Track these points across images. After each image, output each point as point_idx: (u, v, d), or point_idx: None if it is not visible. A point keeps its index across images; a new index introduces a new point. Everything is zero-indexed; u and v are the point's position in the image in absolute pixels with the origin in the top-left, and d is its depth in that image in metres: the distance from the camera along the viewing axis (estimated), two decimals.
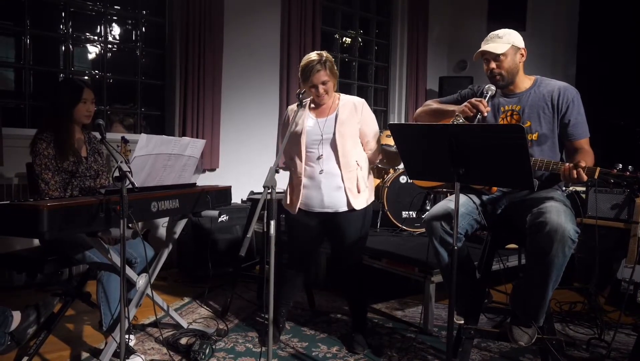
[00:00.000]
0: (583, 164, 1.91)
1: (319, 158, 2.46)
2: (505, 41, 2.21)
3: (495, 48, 2.20)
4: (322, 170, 2.46)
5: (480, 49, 2.25)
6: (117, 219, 1.91)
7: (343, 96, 2.56)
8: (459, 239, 2.10)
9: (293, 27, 4.83)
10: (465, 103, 2.23)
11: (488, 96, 2.25)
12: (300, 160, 2.48)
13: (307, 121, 2.50)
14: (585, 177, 1.91)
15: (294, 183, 2.54)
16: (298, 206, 2.50)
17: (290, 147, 2.53)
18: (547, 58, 5.70)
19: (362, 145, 2.55)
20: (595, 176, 1.90)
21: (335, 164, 2.46)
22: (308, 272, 3.15)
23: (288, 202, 2.56)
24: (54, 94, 2.51)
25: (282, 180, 2.98)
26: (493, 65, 2.23)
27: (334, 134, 2.45)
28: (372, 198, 2.58)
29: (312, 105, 2.56)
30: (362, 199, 2.50)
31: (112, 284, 2.37)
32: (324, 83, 2.42)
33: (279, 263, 2.85)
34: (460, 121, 2.23)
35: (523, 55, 2.26)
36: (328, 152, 2.46)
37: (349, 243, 2.53)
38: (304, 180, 2.49)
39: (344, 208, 2.47)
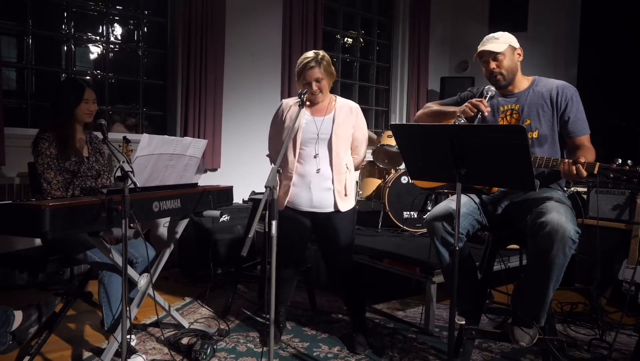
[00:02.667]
0: (582, 160, 1.92)
1: (315, 157, 2.47)
2: (502, 41, 2.25)
3: (494, 47, 2.23)
4: (319, 169, 2.46)
5: (478, 50, 2.27)
6: (118, 219, 1.91)
7: (339, 98, 2.58)
8: (460, 240, 2.10)
9: (295, 27, 4.84)
10: (466, 103, 2.25)
11: (488, 96, 2.27)
12: (294, 156, 2.49)
13: (303, 118, 2.50)
14: (584, 173, 1.91)
15: (282, 179, 2.52)
16: (285, 204, 2.51)
17: (282, 142, 2.52)
18: (549, 58, 5.71)
19: (351, 149, 2.58)
20: (595, 172, 1.91)
21: (328, 165, 2.48)
22: (308, 272, 3.16)
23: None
24: (55, 93, 2.52)
25: None
26: (493, 65, 2.25)
27: (331, 135, 2.46)
28: (354, 204, 2.59)
29: (308, 102, 2.56)
30: (348, 202, 2.53)
31: (113, 284, 2.37)
32: (317, 80, 2.43)
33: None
34: (462, 121, 2.24)
35: (520, 55, 2.29)
36: (323, 152, 2.47)
37: (338, 243, 2.54)
38: (294, 178, 2.49)
39: (331, 209, 2.49)
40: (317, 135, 2.47)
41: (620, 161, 1.88)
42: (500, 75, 2.26)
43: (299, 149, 2.48)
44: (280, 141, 2.53)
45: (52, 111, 2.49)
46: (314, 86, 2.43)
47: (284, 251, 2.65)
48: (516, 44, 2.27)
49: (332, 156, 2.47)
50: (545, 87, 2.25)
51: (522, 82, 2.31)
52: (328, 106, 2.54)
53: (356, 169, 2.68)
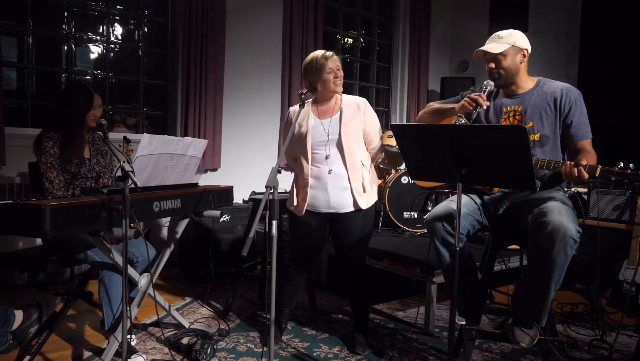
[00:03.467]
0: (584, 162, 1.92)
1: (327, 158, 2.47)
2: (504, 42, 2.23)
3: (492, 48, 2.22)
4: (330, 170, 2.46)
5: (477, 49, 2.27)
6: (119, 219, 1.92)
7: (345, 96, 2.57)
8: (461, 240, 2.10)
9: (295, 27, 4.84)
10: (465, 98, 2.25)
11: (487, 90, 2.27)
12: (307, 161, 2.48)
13: (311, 122, 2.50)
14: (586, 175, 1.91)
15: (300, 185, 2.53)
16: (305, 207, 2.50)
17: (294, 149, 2.52)
18: (549, 58, 5.69)
19: (365, 144, 2.56)
20: (597, 174, 1.91)
21: (342, 164, 2.47)
22: (310, 272, 3.15)
23: (295, 204, 2.53)
24: (64, 97, 2.51)
25: (284, 180, 2.99)
26: (492, 64, 2.26)
27: (340, 135, 2.46)
28: (375, 198, 2.58)
29: (315, 103, 2.55)
30: (367, 199, 2.51)
31: (113, 283, 2.37)
32: (338, 68, 2.45)
33: (281, 263, 2.86)
34: (463, 122, 2.24)
35: (525, 57, 2.26)
36: (335, 153, 2.47)
37: (353, 242, 2.54)
38: (311, 181, 2.48)
39: (350, 208, 2.48)
40: (328, 136, 2.47)
41: (622, 164, 1.88)
42: (497, 74, 2.26)
43: (311, 153, 2.48)
44: (292, 147, 2.52)
45: (60, 113, 2.47)
46: (339, 73, 2.45)
47: (299, 253, 2.65)
48: (522, 44, 2.23)
49: (344, 156, 2.46)
50: (550, 90, 2.23)
51: (527, 83, 2.30)
52: (334, 107, 2.53)
53: (374, 161, 2.65)
